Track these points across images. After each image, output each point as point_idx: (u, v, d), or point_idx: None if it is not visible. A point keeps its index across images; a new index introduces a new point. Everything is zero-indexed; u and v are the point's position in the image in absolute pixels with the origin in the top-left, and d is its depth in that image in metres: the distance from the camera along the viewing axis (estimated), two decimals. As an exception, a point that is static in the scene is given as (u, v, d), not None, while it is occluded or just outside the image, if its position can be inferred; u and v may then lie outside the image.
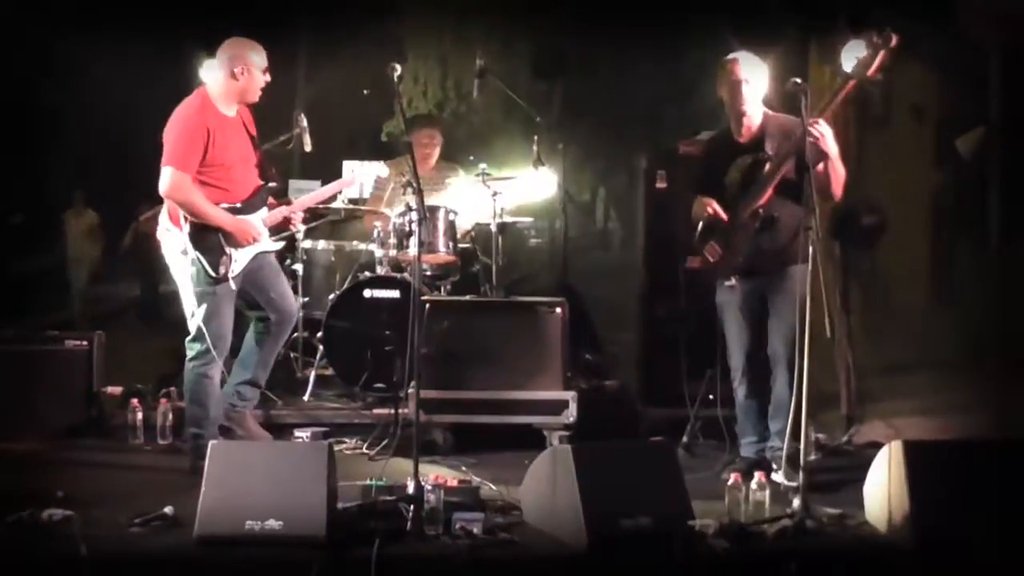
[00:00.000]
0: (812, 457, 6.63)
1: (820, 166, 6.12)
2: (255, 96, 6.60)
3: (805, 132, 5.89)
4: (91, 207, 11.98)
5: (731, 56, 6.49)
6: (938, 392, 7.28)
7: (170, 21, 8.89)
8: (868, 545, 5.28)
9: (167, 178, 6.31)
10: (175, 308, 6.72)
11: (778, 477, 6.21)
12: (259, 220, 6.59)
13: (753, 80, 6.41)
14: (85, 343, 7.55)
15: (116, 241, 12.00)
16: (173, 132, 6.38)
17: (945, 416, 7.12)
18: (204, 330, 6.43)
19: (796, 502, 5.45)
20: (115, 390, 7.67)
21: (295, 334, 8.29)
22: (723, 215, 6.40)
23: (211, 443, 5.34)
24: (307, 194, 7.02)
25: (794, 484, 5.78)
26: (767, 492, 5.61)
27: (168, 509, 5.40)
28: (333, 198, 7.87)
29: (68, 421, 7.37)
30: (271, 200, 6.74)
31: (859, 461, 6.77)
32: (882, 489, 5.44)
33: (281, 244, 6.83)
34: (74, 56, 9.12)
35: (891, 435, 7.07)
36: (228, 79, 6.51)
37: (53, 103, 9.31)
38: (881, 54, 5.97)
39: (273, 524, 5.01)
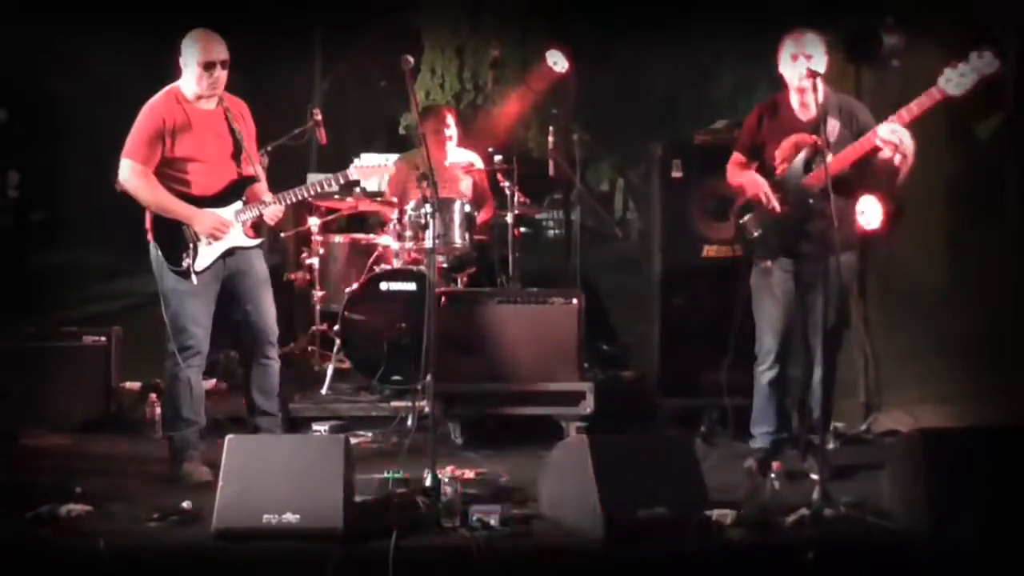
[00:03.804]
0: (830, 446, 6.65)
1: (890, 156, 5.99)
2: (200, 90, 6.29)
3: (874, 131, 5.85)
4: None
5: (794, 31, 6.24)
6: (957, 379, 7.26)
7: (182, 12, 8.89)
8: (886, 534, 5.26)
9: (121, 169, 6.26)
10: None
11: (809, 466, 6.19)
12: (230, 214, 6.35)
13: (817, 55, 6.15)
14: (103, 339, 7.58)
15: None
16: (134, 124, 6.29)
17: (964, 403, 7.10)
18: (172, 328, 6.28)
19: (815, 491, 5.44)
20: (133, 385, 7.70)
21: (312, 327, 8.34)
22: (777, 206, 6.21)
23: (227, 438, 5.33)
24: (290, 190, 6.55)
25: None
26: (785, 481, 5.60)
27: (186, 503, 5.43)
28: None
29: (86, 416, 7.41)
30: (251, 194, 6.46)
31: (877, 449, 6.80)
32: (900, 477, 5.42)
33: (257, 242, 6.46)
34: (85, 51, 9.15)
35: (910, 423, 7.07)
36: (185, 70, 6.33)
37: (67, 97, 9.34)
38: (980, 78, 5.72)
39: (290, 517, 5.02)
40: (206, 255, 6.29)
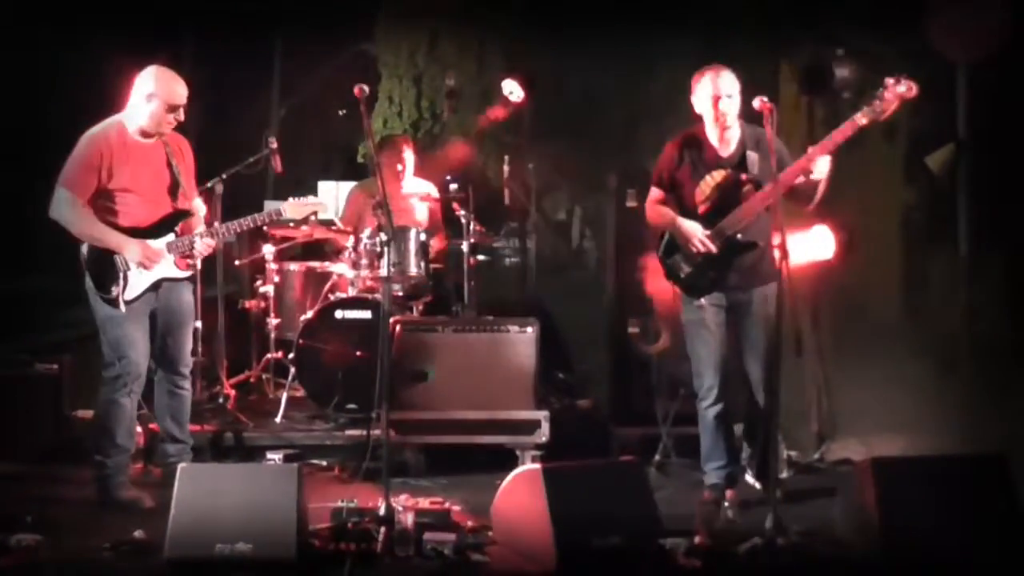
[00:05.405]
0: (783, 475, 6.68)
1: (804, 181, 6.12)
2: (160, 127, 6.31)
3: (802, 165, 5.97)
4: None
5: (710, 68, 6.29)
6: (909, 408, 7.29)
7: (147, 40, 8.86)
8: (839, 562, 5.29)
9: (54, 197, 6.25)
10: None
11: (751, 479, 6.19)
12: (162, 244, 6.34)
13: (735, 93, 6.22)
14: (55, 367, 7.52)
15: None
16: (72, 153, 6.29)
17: (916, 432, 7.12)
18: (110, 355, 6.32)
19: (768, 520, 5.46)
20: (86, 414, 7.60)
21: (267, 355, 8.31)
22: (713, 249, 6.25)
23: (180, 467, 5.32)
24: (223, 224, 6.63)
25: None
26: (738, 510, 5.62)
27: (138, 533, 5.39)
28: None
29: (38, 445, 7.32)
30: (185, 228, 6.47)
31: (830, 478, 6.82)
32: (852, 506, 5.45)
33: (187, 273, 6.50)
34: (51, 71, 9.09)
35: (863, 452, 7.11)
36: (140, 105, 6.32)
37: (32, 120, 9.27)
38: (898, 102, 5.88)
39: (243, 547, 5.01)
40: (136, 285, 6.31)
